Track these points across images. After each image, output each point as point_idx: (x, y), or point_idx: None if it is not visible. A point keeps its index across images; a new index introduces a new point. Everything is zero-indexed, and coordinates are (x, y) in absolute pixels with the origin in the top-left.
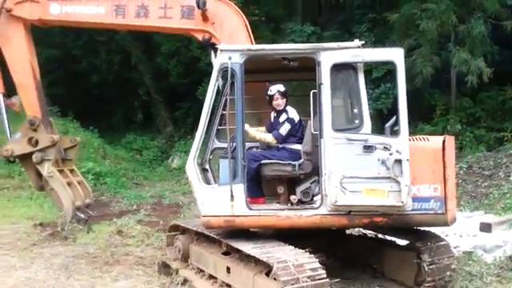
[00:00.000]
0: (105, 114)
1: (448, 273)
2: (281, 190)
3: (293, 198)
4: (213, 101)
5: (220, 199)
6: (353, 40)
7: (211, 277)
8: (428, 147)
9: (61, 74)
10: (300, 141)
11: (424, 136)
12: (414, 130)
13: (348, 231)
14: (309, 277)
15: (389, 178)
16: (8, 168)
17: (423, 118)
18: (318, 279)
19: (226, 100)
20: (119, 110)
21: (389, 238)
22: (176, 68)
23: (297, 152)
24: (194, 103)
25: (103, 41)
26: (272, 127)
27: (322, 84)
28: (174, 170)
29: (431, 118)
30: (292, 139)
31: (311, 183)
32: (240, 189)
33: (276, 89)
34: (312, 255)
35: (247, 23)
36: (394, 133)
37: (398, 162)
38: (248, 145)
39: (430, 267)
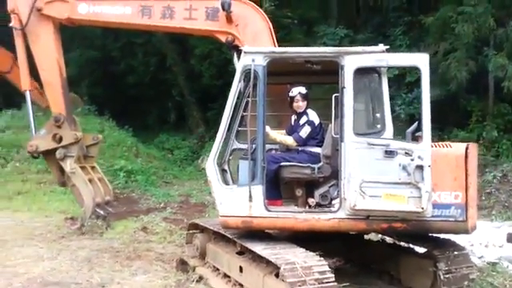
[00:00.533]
0: (140, 113)
1: (466, 282)
2: (299, 192)
3: (311, 200)
4: (235, 102)
5: (238, 200)
6: (387, 43)
7: (226, 275)
8: (450, 154)
9: (100, 74)
10: (320, 144)
11: (447, 143)
12: (448, 137)
13: (367, 236)
14: (316, 279)
15: (409, 183)
16: (45, 163)
17: (458, 124)
18: (326, 282)
19: (247, 101)
20: (154, 111)
21: (407, 244)
22: (209, 70)
23: (316, 155)
24: (225, 104)
25: (140, 43)
26: (292, 130)
27: (344, 88)
28: (203, 169)
29: (467, 125)
30: (312, 142)
31: (330, 187)
32: (259, 190)
33: (297, 91)
34: (322, 258)
35: (271, 26)
36: (415, 139)
37: (420, 167)
38: (267, 147)
39: (446, 276)
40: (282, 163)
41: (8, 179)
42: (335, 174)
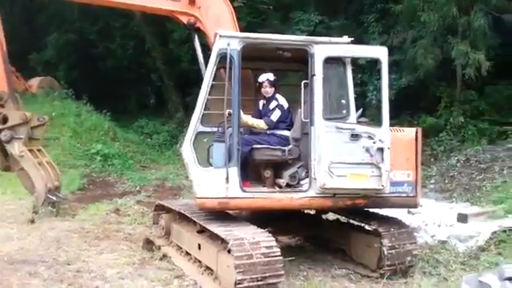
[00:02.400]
0: (120, 98)
1: (409, 258)
2: (267, 173)
3: (281, 181)
4: (210, 85)
5: (215, 181)
6: (360, 30)
7: (187, 253)
8: (404, 137)
9: (78, 58)
10: (289, 127)
11: (400, 128)
12: (417, 122)
13: (324, 216)
14: (263, 253)
15: (371, 164)
16: None
17: (428, 110)
18: (272, 256)
19: (212, 85)
20: (134, 95)
21: (358, 223)
22: (187, 54)
23: (286, 138)
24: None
25: (118, 26)
26: (261, 114)
27: (314, 75)
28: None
29: (436, 110)
30: (282, 125)
31: (298, 168)
32: (234, 172)
33: (266, 77)
34: (270, 235)
35: (233, 11)
36: (359, 123)
37: (380, 149)
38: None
39: (390, 251)
40: (255, 145)
41: None
42: (302, 156)
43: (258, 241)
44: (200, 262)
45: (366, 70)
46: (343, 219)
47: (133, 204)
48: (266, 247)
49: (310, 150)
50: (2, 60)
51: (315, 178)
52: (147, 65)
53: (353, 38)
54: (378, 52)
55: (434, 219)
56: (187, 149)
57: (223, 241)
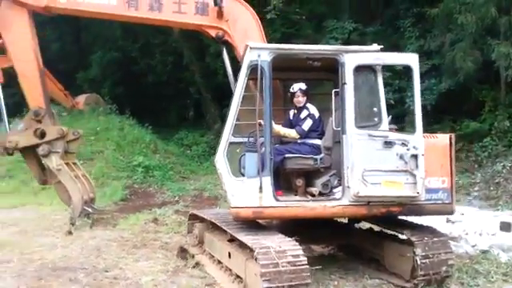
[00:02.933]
0: (161, 112)
1: (444, 268)
2: (299, 182)
3: (314, 190)
4: (242, 96)
5: (249, 191)
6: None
7: (219, 262)
8: (438, 144)
9: (121, 74)
10: (320, 136)
11: (433, 134)
12: (460, 127)
13: (357, 225)
14: (289, 262)
15: (406, 171)
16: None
17: (471, 115)
18: (299, 265)
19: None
20: (174, 108)
21: (391, 232)
22: (223, 67)
23: (317, 147)
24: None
25: (157, 43)
26: (291, 123)
27: (345, 84)
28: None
29: (479, 115)
30: (313, 134)
31: (330, 176)
32: (268, 181)
33: (298, 87)
34: (297, 243)
35: (260, 23)
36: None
37: (414, 156)
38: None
39: (423, 261)
40: (287, 155)
41: (33, 177)
42: (334, 165)
43: (285, 249)
44: (230, 270)
45: (404, 75)
46: (377, 228)
47: (171, 214)
48: (293, 256)
49: (342, 158)
50: (39, 76)
51: (349, 186)
52: (186, 79)
53: (382, 46)
54: (409, 59)
55: (475, 228)
56: (220, 159)
57: (251, 249)
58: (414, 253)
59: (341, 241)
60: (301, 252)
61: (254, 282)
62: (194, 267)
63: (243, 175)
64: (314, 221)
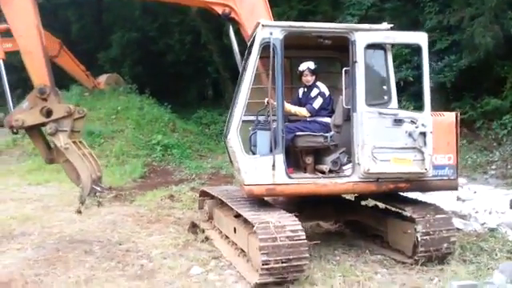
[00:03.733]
0: (181, 91)
1: (445, 245)
2: (308, 160)
3: (324, 167)
4: (254, 74)
5: (262, 169)
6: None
7: (226, 237)
8: (444, 121)
9: (140, 54)
10: (330, 114)
11: (439, 112)
12: (480, 105)
13: (363, 202)
14: (287, 237)
15: (414, 148)
16: (90, 140)
17: (492, 92)
18: (297, 240)
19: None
20: (193, 87)
21: (395, 209)
22: (240, 46)
23: (327, 124)
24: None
25: (176, 22)
26: (301, 101)
27: (356, 62)
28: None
29: (501, 92)
30: (323, 112)
31: (340, 153)
32: (280, 159)
33: (306, 66)
34: (296, 219)
35: (267, 1)
36: None
37: (423, 134)
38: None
39: (424, 238)
40: (297, 133)
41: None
42: (343, 142)
43: (284, 224)
44: (236, 244)
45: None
46: (382, 205)
47: (187, 191)
48: (291, 231)
49: (352, 135)
50: (43, 53)
51: (359, 163)
52: (204, 58)
53: (392, 25)
54: (418, 38)
55: (485, 206)
56: (234, 137)
57: (252, 224)
58: (415, 229)
59: (346, 217)
60: (300, 227)
61: (255, 255)
62: (203, 241)
63: (253, 153)
64: (320, 198)
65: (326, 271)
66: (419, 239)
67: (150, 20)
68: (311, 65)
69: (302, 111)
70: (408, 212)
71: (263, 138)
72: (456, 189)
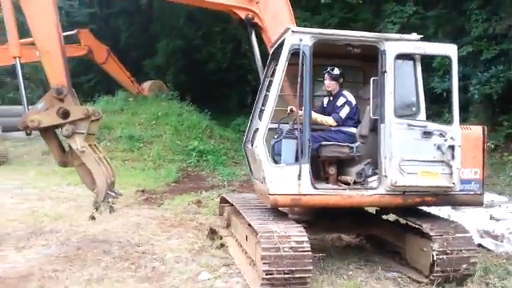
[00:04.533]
0: (221, 98)
1: (464, 265)
2: (331, 170)
3: (349, 178)
4: (282, 81)
5: (287, 178)
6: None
7: (241, 244)
8: (471, 135)
9: (184, 62)
10: (356, 124)
11: (466, 126)
12: None
13: (384, 216)
14: (291, 247)
15: (442, 161)
16: (130, 144)
17: None
18: (301, 251)
19: (270, 82)
20: (233, 95)
21: (415, 225)
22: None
23: (353, 135)
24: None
25: (218, 31)
26: (326, 110)
27: (385, 72)
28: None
29: None
30: (349, 122)
31: (365, 165)
32: (306, 168)
33: (326, 70)
34: (303, 230)
35: (290, 6)
36: None
37: (451, 147)
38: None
39: (441, 257)
40: (323, 142)
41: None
42: (368, 154)
43: (289, 235)
44: (247, 252)
45: (470, 60)
46: (403, 221)
47: (215, 197)
48: (296, 242)
49: (379, 147)
50: (61, 53)
51: (386, 176)
52: (244, 66)
53: (422, 36)
54: (448, 49)
55: None
56: (260, 146)
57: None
58: (431, 247)
59: (365, 231)
60: (305, 239)
61: (259, 265)
62: (218, 248)
63: (275, 162)
64: (341, 210)
65: (335, 286)
66: (435, 258)
67: (195, 28)
68: (331, 70)
69: (329, 120)
70: (426, 229)
71: (289, 147)
72: (482, 204)
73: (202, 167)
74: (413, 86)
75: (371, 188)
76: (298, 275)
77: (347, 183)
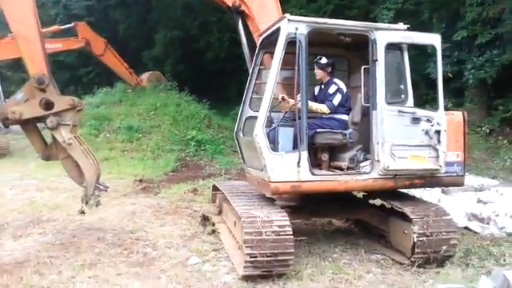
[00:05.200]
0: (220, 88)
1: (445, 247)
2: (324, 157)
3: (342, 164)
4: (279, 69)
5: (287, 166)
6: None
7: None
8: (454, 120)
9: (181, 52)
10: (347, 111)
11: (449, 111)
12: None
13: (371, 201)
14: (273, 231)
15: (429, 145)
16: (129, 134)
17: None
18: (283, 235)
19: (259, 70)
20: (232, 84)
21: (398, 209)
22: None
23: (345, 122)
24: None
25: (215, 20)
26: (317, 98)
27: (376, 61)
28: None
29: None
30: (341, 109)
31: (357, 151)
32: (305, 156)
33: (315, 60)
34: (286, 214)
35: None
36: None
37: (438, 132)
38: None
39: (421, 239)
40: (318, 130)
41: (98, 147)
42: (360, 140)
43: (272, 219)
44: (235, 237)
45: (464, 45)
46: (388, 205)
47: (211, 185)
48: (278, 226)
49: (372, 133)
50: (40, 39)
51: (378, 160)
52: (242, 55)
53: (409, 25)
54: (432, 39)
55: (507, 210)
56: (260, 134)
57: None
58: (412, 230)
59: (351, 216)
60: (287, 223)
61: (243, 249)
62: (209, 234)
63: (273, 150)
64: (328, 195)
65: (319, 268)
66: (415, 240)
67: (192, 19)
68: (319, 59)
69: (323, 108)
70: (407, 212)
71: (286, 135)
72: (462, 185)
73: (201, 156)
74: (401, 74)
75: (365, 173)
76: (280, 258)
77: (340, 168)
